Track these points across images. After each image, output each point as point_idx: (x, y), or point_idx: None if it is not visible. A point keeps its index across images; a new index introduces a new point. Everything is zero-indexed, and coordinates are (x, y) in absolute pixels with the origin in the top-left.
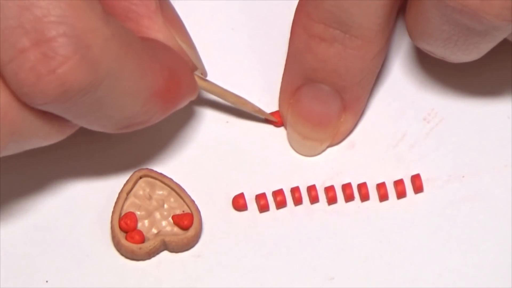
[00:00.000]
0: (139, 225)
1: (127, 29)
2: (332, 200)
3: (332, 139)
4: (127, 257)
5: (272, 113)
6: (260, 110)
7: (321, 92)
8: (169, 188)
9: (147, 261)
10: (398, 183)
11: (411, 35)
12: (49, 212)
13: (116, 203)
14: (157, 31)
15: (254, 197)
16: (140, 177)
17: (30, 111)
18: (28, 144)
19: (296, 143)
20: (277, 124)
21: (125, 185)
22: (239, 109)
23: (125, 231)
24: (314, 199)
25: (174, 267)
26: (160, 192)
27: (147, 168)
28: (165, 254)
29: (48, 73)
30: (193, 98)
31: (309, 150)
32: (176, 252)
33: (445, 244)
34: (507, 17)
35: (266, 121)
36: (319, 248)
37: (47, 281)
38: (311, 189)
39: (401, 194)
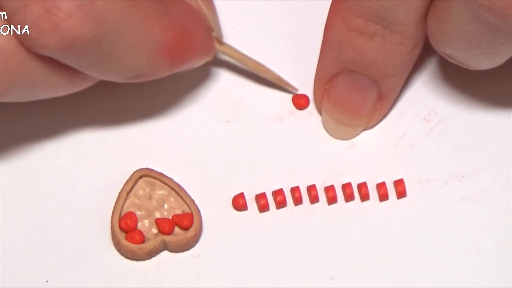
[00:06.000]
0: (139, 225)
1: None
2: (332, 200)
3: (366, 125)
4: (127, 257)
5: (297, 96)
6: (280, 79)
7: (358, 81)
8: (169, 188)
9: (147, 261)
10: (398, 183)
11: (433, 38)
12: (49, 212)
13: (116, 203)
14: None
15: (254, 197)
16: (140, 177)
17: (36, 57)
18: (38, 91)
19: (331, 129)
20: (298, 106)
21: (125, 185)
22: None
23: (125, 231)
24: (314, 199)
25: (174, 267)
26: (160, 192)
27: (147, 168)
28: (165, 254)
29: (50, 29)
30: (208, 59)
31: (343, 135)
32: (176, 252)
33: (445, 244)
34: None
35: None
36: (319, 248)
37: (47, 281)
38: (311, 189)
39: (401, 194)
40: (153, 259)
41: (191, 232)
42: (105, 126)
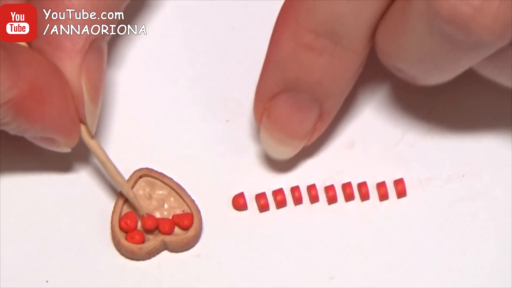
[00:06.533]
0: (139, 225)
1: None
2: (332, 199)
3: (305, 144)
4: (127, 257)
5: (146, 217)
6: (134, 198)
7: (300, 101)
8: (169, 188)
9: (147, 261)
10: (398, 183)
11: (384, 52)
12: (49, 212)
13: (116, 203)
14: (67, 65)
15: (254, 196)
16: (140, 177)
17: None
18: None
19: (269, 147)
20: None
21: None
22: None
23: (125, 231)
24: (314, 199)
25: (174, 267)
26: (160, 192)
27: (147, 168)
28: (165, 254)
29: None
30: (70, 141)
31: (281, 154)
32: (176, 252)
33: (445, 244)
34: (497, 32)
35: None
36: (319, 248)
37: (47, 281)
38: (311, 188)
39: (401, 193)
40: (153, 259)
41: (191, 232)
42: (104, 126)
